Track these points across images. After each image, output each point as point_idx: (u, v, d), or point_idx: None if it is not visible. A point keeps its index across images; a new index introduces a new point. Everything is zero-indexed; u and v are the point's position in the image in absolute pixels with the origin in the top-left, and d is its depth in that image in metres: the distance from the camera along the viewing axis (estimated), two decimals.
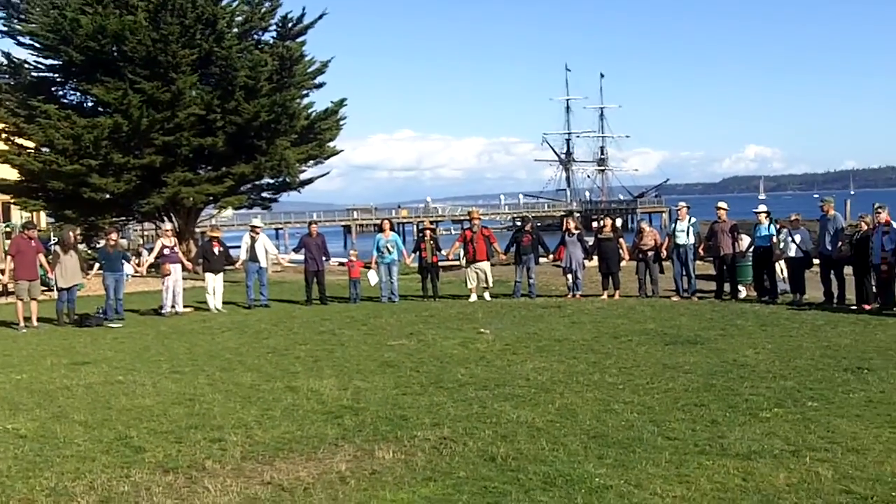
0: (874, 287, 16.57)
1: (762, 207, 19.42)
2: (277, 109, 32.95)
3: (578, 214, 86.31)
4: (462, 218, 72.23)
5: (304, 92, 36.98)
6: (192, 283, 24.23)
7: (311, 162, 37.72)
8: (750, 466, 7.01)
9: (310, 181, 39.62)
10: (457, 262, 24.37)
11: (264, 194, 39.39)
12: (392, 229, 22.00)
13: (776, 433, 7.97)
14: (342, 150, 39.67)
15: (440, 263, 22.07)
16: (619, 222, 23.16)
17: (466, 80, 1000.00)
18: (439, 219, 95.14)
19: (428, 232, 21.72)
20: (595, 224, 22.03)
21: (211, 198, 35.15)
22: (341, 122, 38.01)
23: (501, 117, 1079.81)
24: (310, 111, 36.73)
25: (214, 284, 20.12)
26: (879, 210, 16.43)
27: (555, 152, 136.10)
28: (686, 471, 6.97)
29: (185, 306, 20.14)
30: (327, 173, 41.85)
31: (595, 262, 20.69)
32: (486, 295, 20.30)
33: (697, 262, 20.15)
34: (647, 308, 17.49)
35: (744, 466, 7.02)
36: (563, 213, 51.22)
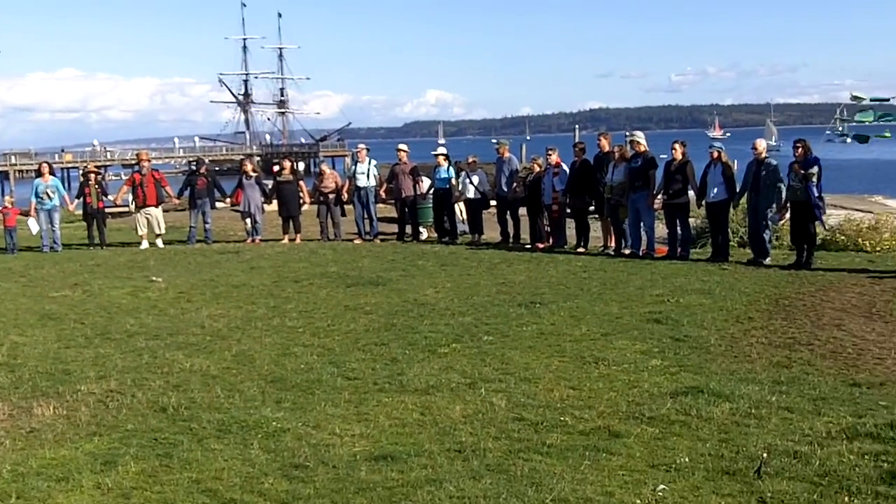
0: (546, 226, 17.43)
1: (441, 150, 19.94)
2: None
3: (258, 158, 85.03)
4: (132, 161, 68.81)
5: None
6: None
7: None
8: (428, 401, 7.09)
9: None
10: (126, 208, 23.03)
11: None
12: (52, 173, 20.34)
13: (453, 367, 8.12)
14: None
15: (107, 209, 20.75)
16: (301, 165, 22.77)
17: (135, 15, 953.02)
18: (108, 163, 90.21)
19: (92, 176, 20.29)
20: (276, 167, 21.59)
21: None
22: None
23: (174, 57, 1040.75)
24: None
25: None
26: (550, 152, 17.29)
27: (232, 94, 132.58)
28: (365, 409, 6.94)
29: None
30: None
31: (275, 205, 20.29)
32: (159, 241, 19.36)
33: (379, 204, 20.31)
34: (328, 251, 17.41)
35: (422, 401, 7.09)
36: (241, 157, 50.31)
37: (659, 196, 15.56)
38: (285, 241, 19.37)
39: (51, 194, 19.27)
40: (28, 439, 6.51)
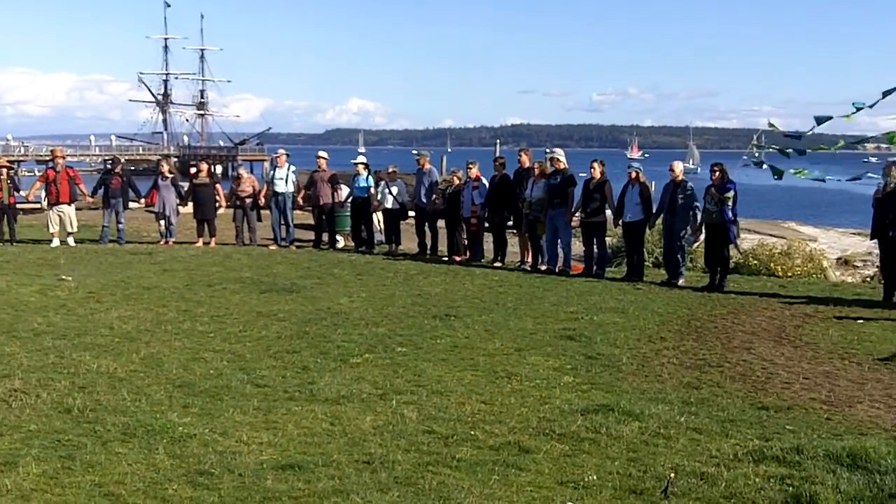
0: (464, 239, 17.47)
1: (361, 158, 19.77)
2: None
3: (176, 159, 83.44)
4: (46, 158, 67.13)
5: None
6: None
7: None
8: (338, 411, 7.03)
9: None
10: (38, 204, 22.49)
11: None
12: None
13: (365, 378, 8.07)
14: None
15: (19, 205, 20.21)
16: (218, 169, 22.50)
17: (55, 9, 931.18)
18: (21, 158, 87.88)
19: (4, 171, 19.73)
20: (193, 169, 21.24)
21: None
22: None
23: (94, 53, 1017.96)
24: None
25: None
26: (470, 166, 17.34)
27: (151, 93, 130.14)
28: (274, 417, 6.85)
29: None
30: None
31: (190, 208, 19.98)
32: (70, 240, 18.91)
33: (296, 210, 20.14)
34: (243, 256, 17.21)
35: (332, 411, 7.02)
36: (158, 157, 49.25)
37: (577, 214, 15.73)
38: (199, 244, 19.08)
39: None
40: None
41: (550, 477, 5.67)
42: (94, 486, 5.42)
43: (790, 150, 8.90)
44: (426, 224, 18.36)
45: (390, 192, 18.45)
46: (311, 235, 20.05)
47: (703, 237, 14.52)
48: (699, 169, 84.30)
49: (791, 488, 5.47)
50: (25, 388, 7.53)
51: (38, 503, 5.19)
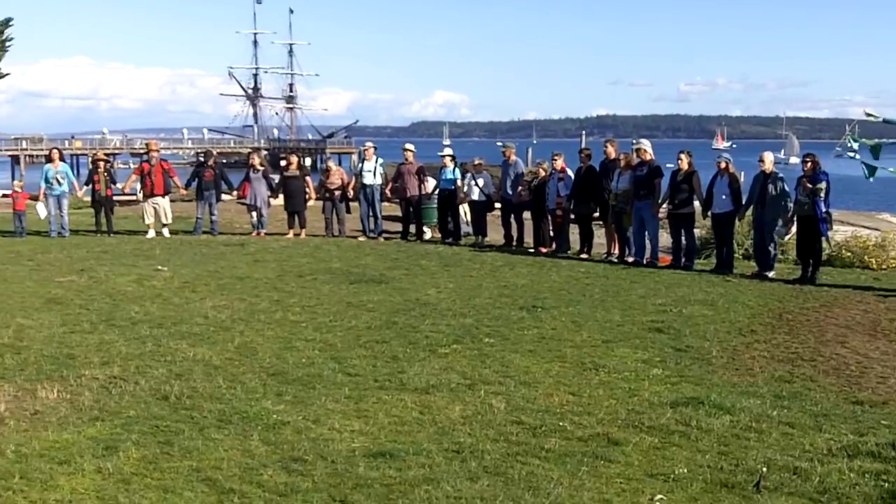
0: (550, 231, 17.43)
1: (448, 151, 19.87)
2: None
3: (266, 152, 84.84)
4: (141, 151, 68.80)
5: None
6: None
7: None
8: (427, 400, 7.11)
9: None
10: (133, 196, 23.12)
11: None
12: (62, 159, 20.39)
13: (454, 368, 8.14)
14: (9, 74, 36.61)
15: (115, 197, 20.81)
16: (307, 161, 22.85)
17: (148, 6, 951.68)
18: (116, 151, 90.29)
19: (102, 163, 20.36)
20: (283, 162, 21.61)
21: None
22: (8, 44, 35.05)
23: (186, 48, 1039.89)
24: None
25: None
26: (556, 157, 17.27)
27: (242, 87, 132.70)
28: (365, 405, 6.96)
29: None
30: None
31: (281, 200, 20.32)
32: (165, 231, 19.41)
33: (384, 202, 20.32)
34: (332, 247, 17.44)
35: (422, 400, 7.10)
36: (249, 150, 50.24)
37: (664, 205, 15.57)
38: (290, 235, 19.39)
39: (60, 180, 19.35)
40: (32, 421, 6.54)
41: (640, 469, 5.66)
42: (191, 471, 5.59)
43: (885, 140, 8.68)
44: (512, 216, 18.34)
45: (476, 184, 18.49)
46: (398, 227, 20.19)
47: (794, 229, 14.23)
48: (790, 159, 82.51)
49: (887, 484, 5.38)
50: (124, 376, 7.78)
51: (139, 487, 5.36)
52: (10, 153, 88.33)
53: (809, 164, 13.68)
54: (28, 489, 5.29)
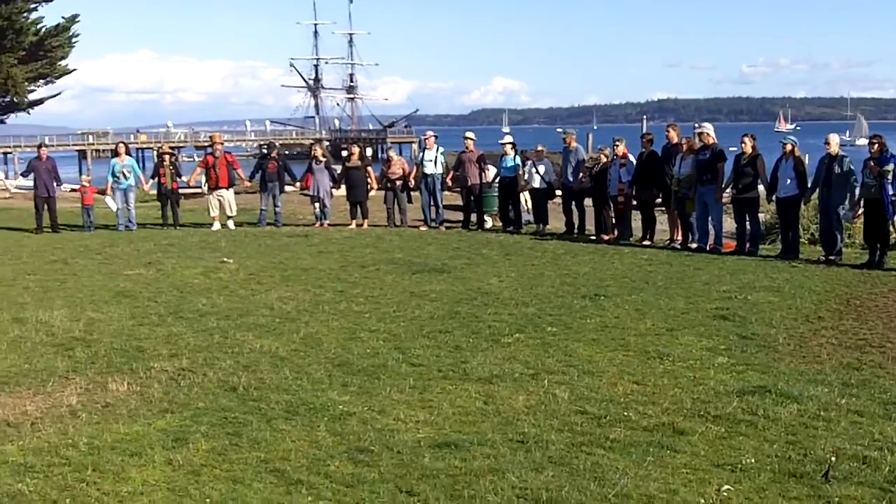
0: (612, 218, 17.33)
1: (508, 139, 19.84)
2: (2, 23, 30.42)
3: (327, 143, 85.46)
4: (205, 144, 69.80)
5: (32, 6, 34.37)
6: None
7: (42, 81, 35.39)
8: (491, 390, 7.13)
9: (40, 101, 37.30)
10: (199, 189, 23.48)
11: None
12: (128, 153, 20.79)
13: (517, 357, 8.15)
14: (75, 70, 37.33)
15: (181, 190, 21.17)
16: (368, 151, 22.92)
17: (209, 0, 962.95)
18: (181, 144, 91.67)
19: (167, 157, 20.71)
20: (344, 153, 21.77)
21: None
22: (74, 40, 35.77)
23: (248, 40, 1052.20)
24: (39, 27, 34.25)
25: None
26: (617, 143, 17.14)
27: (303, 78, 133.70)
28: (429, 396, 7.00)
29: None
30: (59, 94, 39.39)
31: (343, 190, 20.48)
32: (230, 223, 19.69)
33: (445, 191, 20.37)
34: (394, 237, 17.53)
35: (485, 390, 7.13)
36: (311, 141, 50.75)
37: (728, 190, 15.38)
38: (353, 226, 19.55)
39: (126, 174, 19.73)
40: (103, 414, 6.70)
41: (706, 459, 5.63)
42: (260, 462, 5.68)
43: None
44: (573, 203, 18.26)
45: (537, 172, 18.44)
46: (459, 216, 20.24)
47: (861, 212, 13.97)
48: (857, 141, 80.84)
49: None
50: (193, 367, 7.92)
51: (208, 478, 5.46)
52: (76, 148, 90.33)
53: (876, 145, 13.41)
54: (101, 481, 5.43)
